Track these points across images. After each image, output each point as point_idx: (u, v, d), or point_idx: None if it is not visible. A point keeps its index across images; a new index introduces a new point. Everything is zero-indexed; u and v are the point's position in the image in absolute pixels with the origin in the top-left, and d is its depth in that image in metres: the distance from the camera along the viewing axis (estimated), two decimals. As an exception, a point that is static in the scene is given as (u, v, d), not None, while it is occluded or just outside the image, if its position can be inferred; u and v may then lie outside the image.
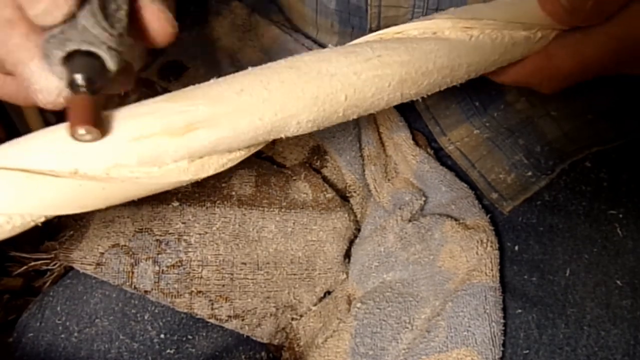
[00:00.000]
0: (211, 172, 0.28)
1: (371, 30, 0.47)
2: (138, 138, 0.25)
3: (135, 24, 0.28)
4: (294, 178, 0.50)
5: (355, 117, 0.31)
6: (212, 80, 0.27)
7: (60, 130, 0.25)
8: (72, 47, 0.25)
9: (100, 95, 0.25)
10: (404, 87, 0.30)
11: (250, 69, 0.28)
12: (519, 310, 0.41)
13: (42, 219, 0.25)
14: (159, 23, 0.28)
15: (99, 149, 0.24)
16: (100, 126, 0.24)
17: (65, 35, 0.25)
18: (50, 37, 0.25)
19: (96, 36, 0.25)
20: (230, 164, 0.28)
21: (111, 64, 0.26)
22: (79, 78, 0.24)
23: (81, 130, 0.23)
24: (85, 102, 0.24)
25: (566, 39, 0.33)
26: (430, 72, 0.30)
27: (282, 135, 0.29)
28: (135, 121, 0.25)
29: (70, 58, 0.25)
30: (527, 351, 0.40)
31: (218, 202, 0.46)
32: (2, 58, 0.26)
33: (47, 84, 0.26)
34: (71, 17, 0.25)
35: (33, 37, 0.25)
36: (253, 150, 0.29)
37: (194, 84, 0.51)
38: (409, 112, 0.52)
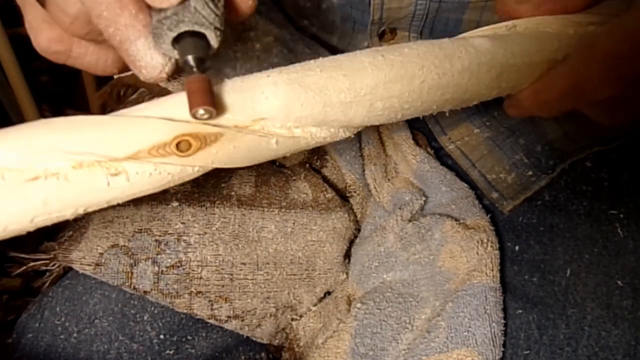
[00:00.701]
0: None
1: (373, 24, 0.47)
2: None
3: None
4: (294, 178, 0.50)
5: None
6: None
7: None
8: (185, 28, 0.26)
9: (209, 72, 0.26)
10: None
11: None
12: (520, 311, 0.41)
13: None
14: None
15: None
16: (215, 105, 0.25)
17: (179, 17, 0.26)
18: (163, 18, 0.26)
19: (205, 17, 0.26)
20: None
21: (215, 42, 0.27)
22: (190, 59, 0.26)
23: (201, 111, 0.25)
24: (202, 84, 0.25)
25: (607, 26, 0.32)
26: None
27: None
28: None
29: (179, 39, 0.26)
30: (528, 351, 0.40)
31: (217, 202, 0.46)
32: (108, 34, 0.27)
33: (152, 62, 0.27)
34: (183, 1, 0.26)
35: (141, 16, 0.26)
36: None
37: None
38: (409, 112, 0.52)
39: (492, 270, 0.42)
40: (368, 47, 0.51)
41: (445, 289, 0.43)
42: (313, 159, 0.52)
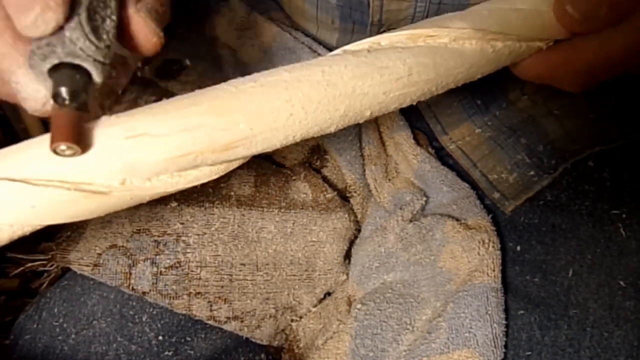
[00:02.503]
0: (220, 174, 0.28)
1: (372, 25, 0.47)
2: (182, 155, 0.25)
3: (122, 33, 0.28)
4: (294, 178, 0.49)
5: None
6: (247, 83, 0.27)
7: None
8: (57, 59, 0.25)
9: (86, 107, 0.25)
10: (420, 98, 0.31)
11: (283, 73, 0.28)
12: (521, 311, 0.41)
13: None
14: (143, 34, 0.28)
15: (145, 163, 0.25)
16: (82, 142, 0.24)
17: (51, 48, 0.25)
18: (36, 48, 0.25)
19: (82, 49, 0.25)
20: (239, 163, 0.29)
21: (97, 76, 0.26)
22: (63, 91, 0.24)
23: (62, 147, 0.23)
24: (68, 117, 0.24)
25: (591, 37, 0.32)
26: (449, 85, 0.32)
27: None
28: (179, 137, 0.25)
29: (56, 70, 0.25)
30: (529, 353, 0.40)
31: (217, 202, 0.45)
32: None
33: (34, 93, 0.26)
34: (58, 29, 0.25)
35: (20, 45, 0.25)
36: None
37: (192, 82, 0.51)
38: (410, 111, 0.52)
39: (494, 270, 0.41)
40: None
41: (446, 290, 0.43)
42: (313, 159, 0.52)
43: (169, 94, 0.49)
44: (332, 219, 0.48)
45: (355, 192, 0.52)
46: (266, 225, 0.46)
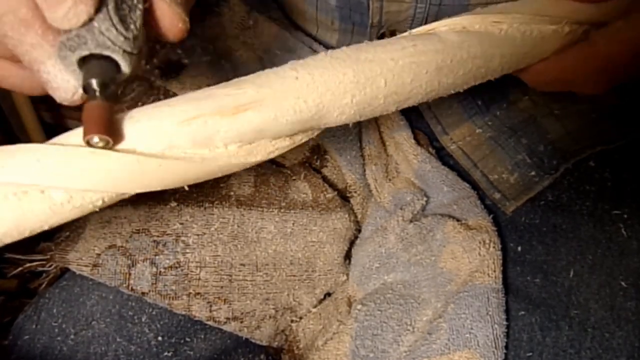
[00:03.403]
0: (259, 159, 0.30)
1: (372, 27, 0.47)
2: (190, 119, 0.26)
3: (148, 20, 0.28)
4: (294, 178, 0.49)
5: (396, 107, 0.32)
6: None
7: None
8: (87, 51, 0.25)
9: (115, 98, 0.25)
10: (441, 75, 0.32)
11: (291, 62, 0.29)
12: (522, 312, 0.41)
13: (100, 202, 0.25)
14: (169, 20, 0.28)
15: (154, 131, 0.26)
16: (113, 133, 0.24)
17: (81, 39, 0.25)
18: (66, 39, 0.25)
19: (111, 40, 0.25)
20: (277, 152, 0.30)
21: (126, 67, 0.26)
22: (93, 83, 0.25)
23: (95, 139, 0.24)
24: (100, 110, 0.24)
25: (607, 28, 0.32)
26: (464, 61, 0.32)
27: (325, 123, 0.30)
28: (187, 104, 0.26)
29: (86, 61, 0.25)
30: (530, 353, 0.39)
31: (216, 202, 0.45)
32: (18, 55, 0.26)
33: (64, 84, 0.26)
34: (88, 21, 0.25)
35: (50, 36, 0.25)
36: (298, 141, 0.31)
37: (192, 82, 0.51)
38: (411, 111, 0.52)
39: (494, 271, 0.41)
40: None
41: (447, 290, 0.43)
42: (313, 159, 0.52)
43: (169, 94, 0.49)
44: (332, 219, 0.48)
45: (355, 192, 0.52)
46: (266, 226, 0.46)
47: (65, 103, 0.27)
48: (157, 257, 0.43)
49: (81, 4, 0.24)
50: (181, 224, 0.44)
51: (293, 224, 0.47)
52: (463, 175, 0.49)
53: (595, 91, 0.34)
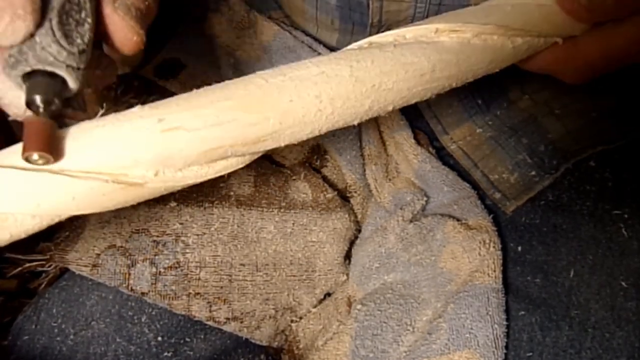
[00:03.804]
0: (210, 177, 0.28)
1: (372, 26, 0.47)
2: (214, 148, 0.26)
3: (103, 32, 0.28)
4: (294, 178, 0.49)
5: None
6: (276, 77, 0.27)
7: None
8: (28, 67, 0.24)
9: (60, 114, 0.25)
10: (441, 91, 0.32)
11: (311, 66, 0.28)
12: (522, 312, 0.41)
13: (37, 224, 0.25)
14: (122, 33, 0.28)
15: (179, 156, 0.26)
16: (54, 151, 0.23)
17: (22, 55, 0.24)
18: (8, 55, 0.24)
19: (54, 55, 0.24)
20: (231, 168, 0.29)
21: (72, 82, 0.25)
22: (37, 99, 0.24)
23: (34, 156, 0.23)
24: (40, 126, 0.23)
25: (595, 29, 0.33)
26: (468, 80, 0.32)
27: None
28: (212, 131, 0.26)
29: (30, 77, 0.25)
30: (531, 354, 0.39)
31: (216, 202, 0.45)
32: None
33: (15, 99, 0.26)
34: (29, 36, 0.24)
35: None
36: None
37: (192, 81, 0.51)
38: (411, 111, 0.52)
39: (495, 271, 0.41)
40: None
41: (447, 290, 0.43)
42: (313, 159, 0.52)
43: (168, 93, 0.49)
44: (332, 219, 0.48)
45: (355, 192, 0.52)
46: (266, 226, 0.46)
47: (18, 119, 0.26)
48: (156, 257, 0.43)
49: (18, 19, 0.23)
50: (181, 224, 0.44)
51: (293, 224, 0.47)
52: (463, 175, 0.49)
53: (572, 82, 0.36)
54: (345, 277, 0.50)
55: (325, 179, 0.51)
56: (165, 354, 0.44)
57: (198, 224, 0.44)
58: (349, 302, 0.48)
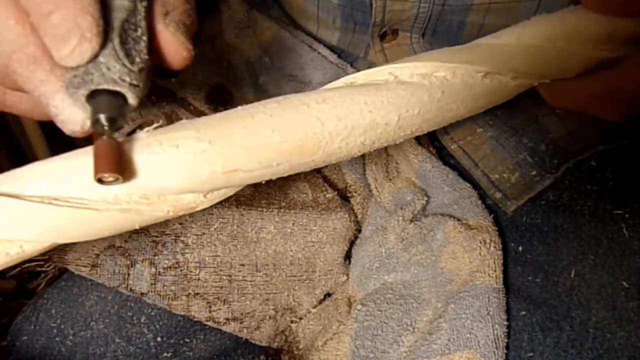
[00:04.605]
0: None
1: (374, 26, 0.47)
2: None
3: (152, 49, 0.28)
4: (294, 178, 0.49)
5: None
6: (332, 120, 0.28)
7: None
8: (93, 87, 0.25)
9: (122, 131, 0.26)
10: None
11: (364, 108, 0.29)
12: (523, 312, 0.41)
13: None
14: (173, 49, 0.29)
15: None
16: (123, 171, 0.25)
17: (88, 76, 0.25)
18: (73, 76, 0.25)
19: (117, 74, 0.25)
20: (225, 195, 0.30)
21: (133, 99, 0.26)
22: (102, 118, 0.25)
23: (107, 177, 0.24)
24: (110, 148, 0.25)
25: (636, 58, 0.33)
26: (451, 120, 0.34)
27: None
28: (264, 171, 0.28)
29: (93, 96, 0.25)
30: (531, 354, 0.39)
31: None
32: (28, 90, 0.26)
33: (72, 117, 0.26)
34: (94, 57, 0.25)
35: (58, 71, 0.26)
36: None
37: (191, 81, 0.51)
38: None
39: (495, 271, 0.41)
40: (369, 47, 0.51)
41: (447, 290, 0.43)
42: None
43: (167, 93, 0.49)
44: (332, 219, 0.48)
45: (355, 192, 0.52)
46: (266, 226, 0.46)
47: (74, 135, 0.27)
48: (156, 257, 0.43)
49: (86, 42, 0.24)
50: (180, 224, 0.44)
51: (293, 224, 0.47)
52: (464, 174, 0.49)
53: (614, 119, 0.35)
54: (345, 277, 0.49)
55: (325, 178, 0.51)
56: (165, 354, 0.44)
57: (197, 224, 0.44)
58: (349, 303, 0.48)
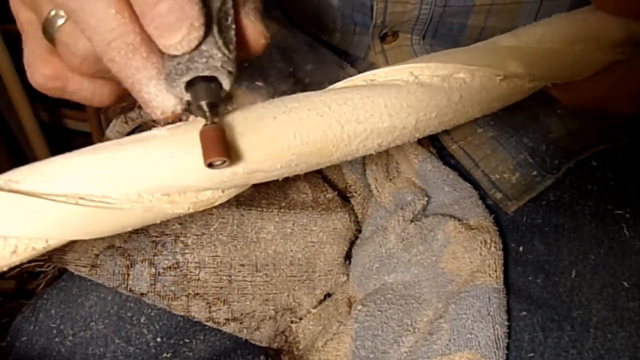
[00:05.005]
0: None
1: (375, 27, 0.47)
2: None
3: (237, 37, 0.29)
4: (294, 177, 0.49)
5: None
6: (352, 123, 0.29)
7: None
8: (196, 74, 0.26)
9: (220, 115, 0.27)
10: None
11: (384, 112, 0.29)
12: (524, 312, 0.40)
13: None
14: (253, 36, 0.29)
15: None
16: (230, 154, 0.26)
17: (193, 63, 0.26)
18: (176, 64, 0.26)
19: (218, 61, 0.26)
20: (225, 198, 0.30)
21: (227, 85, 0.27)
22: (204, 105, 0.26)
23: (217, 162, 0.25)
24: (216, 133, 0.25)
25: None
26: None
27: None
28: (281, 172, 0.28)
29: (192, 83, 0.26)
30: (532, 354, 0.39)
31: (216, 202, 0.45)
32: (120, 77, 0.27)
33: (165, 103, 0.27)
34: (198, 45, 0.26)
35: (154, 58, 0.26)
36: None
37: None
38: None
39: (496, 271, 0.41)
40: (369, 48, 0.51)
41: (448, 291, 0.43)
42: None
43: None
44: (332, 219, 0.48)
45: (355, 192, 0.52)
46: (265, 226, 0.46)
47: (161, 120, 0.28)
48: (156, 257, 0.43)
49: (194, 31, 0.25)
50: (180, 224, 0.44)
51: (293, 224, 0.47)
52: (464, 175, 0.49)
53: (625, 111, 0.35)
54: (345, 277, 0.49)
55: (325, 178, 0.51)
56: (165, 354, 0.43)
57: (197, 224, 0.44)
58: (349, 303, 0.48)
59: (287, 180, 0.48)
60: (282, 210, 0.47)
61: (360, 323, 0.43)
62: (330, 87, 0.31)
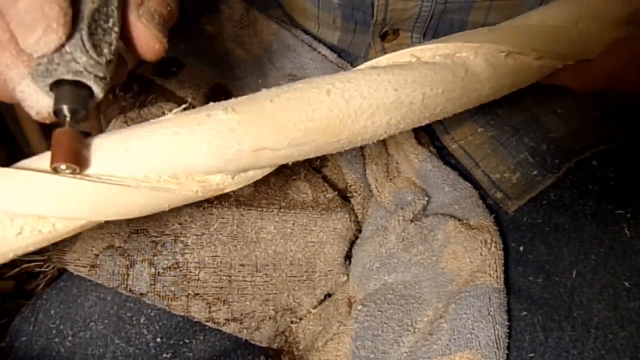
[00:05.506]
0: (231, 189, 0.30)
1: (376, 25, 0.47)
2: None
3: (125, 39, 0.28)
4: (294, 177, 0.49)
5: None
6: (356, 99, 0.29)
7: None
8: (58, 76, 0.25)
9: (84, 120, 0.26)
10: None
11: (389, 87, 0.29)
12: (524, 312, 0.40)
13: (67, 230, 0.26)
14: (145, 41, 0.28)
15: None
16: (79, 162, 0.24)
17: (53, 65, 0.25)
18: (38, 64, 0.25)
19: (83, 66, 0.25)
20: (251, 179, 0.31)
21: (98, 91, 0.26)
22: (64, 109, 0.25)
23: (62, 166, 0.24)
24: (68, 137, 0.24)
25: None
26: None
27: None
28: (291, 150, 0.29)
29: (58, 85, 0.25)
30: (533, 354, 0.39)
31: (215, 202, 0.45)
32: None
33: (38, 102, 0.26)
34: (60, 47, 0.25)
35: (24, 56, 0.25)
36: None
37: (191, 81, 0.51)
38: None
39: (496, 271, 0.41)
40: (370, 47, 0.50)
41: (448, 291, 0.42)
42: (313, 159, 0.52)
43: (167, 93, 0.48)
44: (332, 219, 0.48)
45: (355, 192, 0.52)
46: (265, 226, 0.46)
47: (40, 121, 0.27)
48: (155, 257, 0.43)
49: (52, 32, 0.24)
50: (180, 224, 0.44)
51: (293, 224, 0.46)
52: (464, 174, 0.49)
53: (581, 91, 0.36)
54: (345, 277, 0.49)
55: (325, 178, 0.51)
56: (164, 355, 0.43)
57: (197, 224, 0.44)
58: (349, 303, 0.48)
59: (287, 180, 0.48)
60: (282, 210, 0.47)
61: (361, 323, 0.43)
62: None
